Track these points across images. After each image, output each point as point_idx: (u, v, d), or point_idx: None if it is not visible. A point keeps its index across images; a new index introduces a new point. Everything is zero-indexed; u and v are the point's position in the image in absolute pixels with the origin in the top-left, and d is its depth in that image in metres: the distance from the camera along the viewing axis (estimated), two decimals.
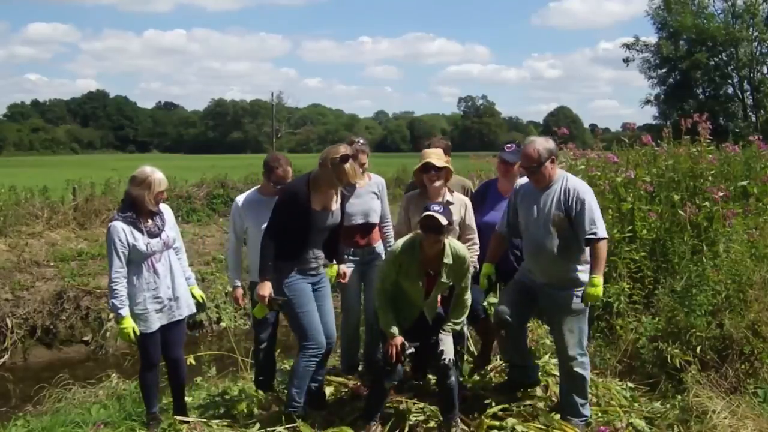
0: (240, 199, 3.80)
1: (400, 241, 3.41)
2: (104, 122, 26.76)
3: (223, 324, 5.07)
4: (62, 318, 5.99)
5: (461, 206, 3.72)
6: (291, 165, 3.73)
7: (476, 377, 4.15)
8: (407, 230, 3.64)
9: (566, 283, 3.48)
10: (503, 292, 3.80)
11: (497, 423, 3.49)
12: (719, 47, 19.68)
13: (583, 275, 3.48)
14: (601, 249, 3.43)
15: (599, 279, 3.42)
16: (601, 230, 3.43)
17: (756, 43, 19.06)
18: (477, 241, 3.76)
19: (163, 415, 3.50)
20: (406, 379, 3.72)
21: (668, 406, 3.89)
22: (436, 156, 3.70)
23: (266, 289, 3.31)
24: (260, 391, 3.83)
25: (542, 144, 3.44)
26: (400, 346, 3.34)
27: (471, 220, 3.75)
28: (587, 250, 3.44)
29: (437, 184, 3.65)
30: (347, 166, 3.26)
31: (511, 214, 3.60)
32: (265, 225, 3.42)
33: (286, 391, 3.58)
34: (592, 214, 3.41)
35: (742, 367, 4.13)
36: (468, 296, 3.47)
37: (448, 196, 3.75)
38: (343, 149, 3.31)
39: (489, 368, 4.24)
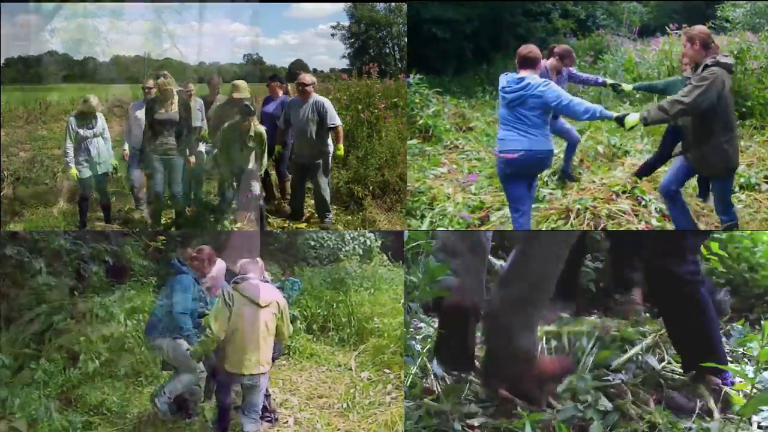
0: (129, 106, 6.10)
1: (227, 124, 5.23)
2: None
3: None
4: (33, 170, 9.42)
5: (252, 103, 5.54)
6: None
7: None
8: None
9: (317, 153, 5.41)
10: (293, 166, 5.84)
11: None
12: (382, 27, 30.42)
13: (329, 148, 5.46)
14: (340, 131, 5.44)
15: (341, 146, 5.46)
16: (338, 121, 5.41)
17: (401, 26, 29.93)
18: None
19: (89, 224, 5.56)
20: None
21: (355, 217, 5.83)
22: (242, 85, 5.67)
23: None
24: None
25: (310, 77, 5.42)
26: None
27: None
28: (330, 133, 5.41)
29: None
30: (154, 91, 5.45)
31: (287, 115, 5.47)
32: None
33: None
34: (332, 114, 5.37)
35: (395, 197, 5.96)
36: (265, 150, 5.36)
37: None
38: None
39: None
